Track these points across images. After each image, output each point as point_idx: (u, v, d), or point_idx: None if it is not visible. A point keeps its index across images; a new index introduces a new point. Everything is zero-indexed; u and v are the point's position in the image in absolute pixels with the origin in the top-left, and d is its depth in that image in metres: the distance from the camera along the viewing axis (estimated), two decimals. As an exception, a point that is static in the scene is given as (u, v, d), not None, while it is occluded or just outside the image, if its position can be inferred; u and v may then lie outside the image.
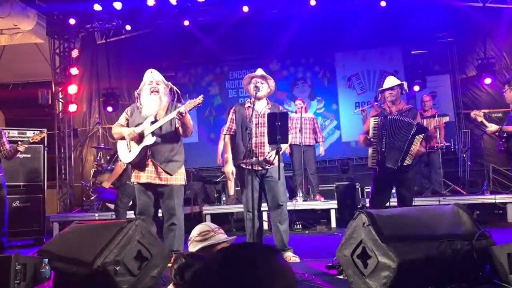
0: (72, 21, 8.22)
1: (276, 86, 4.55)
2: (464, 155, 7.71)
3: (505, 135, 4.63)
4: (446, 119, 6.82)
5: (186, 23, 8.27)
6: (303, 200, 6.62)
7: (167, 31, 8.39)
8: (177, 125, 3.82)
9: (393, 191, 4.60)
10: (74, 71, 8.57)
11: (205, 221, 6.60)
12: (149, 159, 3.81)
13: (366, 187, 6.90)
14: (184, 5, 8.03)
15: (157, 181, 3.81)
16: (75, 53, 8.64)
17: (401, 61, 8.62)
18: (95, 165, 7.60)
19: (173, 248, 3.74)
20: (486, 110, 7.23)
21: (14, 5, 7.13)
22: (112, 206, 6.33)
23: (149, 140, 3.73)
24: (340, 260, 2.89)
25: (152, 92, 3.83)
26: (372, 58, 8.78)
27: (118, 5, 7.77)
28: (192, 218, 6.59)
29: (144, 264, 2.83)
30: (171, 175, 3.82)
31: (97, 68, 9.24)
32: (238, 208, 6.56)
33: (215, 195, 7.66)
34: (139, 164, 3.85)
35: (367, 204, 5.05)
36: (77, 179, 8.61)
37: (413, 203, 4.34)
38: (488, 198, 6.22)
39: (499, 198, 6.20)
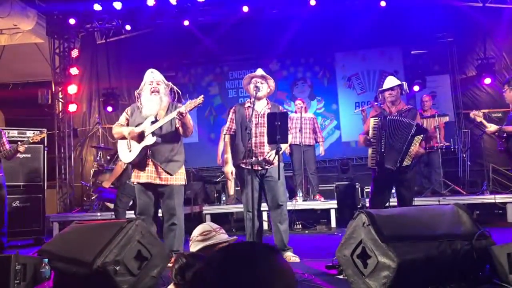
0: (72, 21, 8.22)
1: (276, 86, 4.55)
2: (464, 155, 7.71)
3: (504, 135, 4.63)
4: (446, 119, 6.82)
5: (186, 23, 8.27)
6: (303, 200, 6.62)
7: (167, 31, 8.40)
8: (177, 125, 3.82)
9: (393, 191, 4.60)
10: (74, 71, 8.57)
11: (205, 221, 6.60)
12: (150, 159, 3.81)
13: (366, 187, 6.90)
14: (184, 5, 8.03)
15: (158, 181, 3.81)
16: (75, 53, 8.64)
17: (401, 61, 8.62)
18: (95, 165, 7.61)
19: (173, 248, 3.74)
20: (486, 110, 7.25)
21: (14, 5, 7.13)
22: (111, 205, 6.33)
23: (149, 140, 3.73)
24: (340, 260, 2.89)
25: (152, 92, 3.83)
26: (372, 58, 8.78)
27: (118, 5, 7.77)
28: (192, 218, 6.60)
29: (144, 264, 2.83)
30: (171, 175, 3.82)
31: (97, 68, 9.24)
32: (238, 208, 6.56)
33: (215, 195, 7.66)
34: (139, 164, 3.85)
35: (367, 204, 5.05)
36: (77, 179, 8.61)
37: (413, 203, 4.34)
38: (488, 198, 6.22)
39: (499, 198, 6.21)
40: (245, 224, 4.10)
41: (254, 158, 3.88)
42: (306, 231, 6.19)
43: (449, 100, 8.29)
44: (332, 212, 6.48)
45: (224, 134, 4.22)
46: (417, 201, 5.15)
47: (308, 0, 7.73)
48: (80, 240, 3.01)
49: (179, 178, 3.89)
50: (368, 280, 2.60)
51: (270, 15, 8.16)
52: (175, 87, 4.02)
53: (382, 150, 4.05)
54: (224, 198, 7.11)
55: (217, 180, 7.88)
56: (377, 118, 4.13)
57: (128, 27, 8.51)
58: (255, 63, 8.06)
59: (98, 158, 7.91)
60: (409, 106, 4.41)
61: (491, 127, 4.68)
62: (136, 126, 3.84)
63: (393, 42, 8.50)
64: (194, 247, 2.63)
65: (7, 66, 8.87)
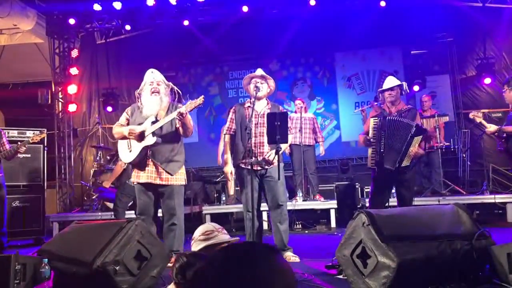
0: (71, 21, 8.21)
1: (276, 86, 4.55)
2: (464, 155, 7.71)
3: (504, 135, 4.63)
4: (446, 119, 6.82)
5: (186, 23, 8.27)
6: (303, 200, 6.63)
7: (166, 31, 8.39)
8: (177, 125, 3.82)
9: (393, 191, 4.60)
10: (73, 71, 8.57)
11: (205, 221, 6.61)
12: (150, 159, 3.81)
13: (366, 187, 6.90)
14: (184, 5, 8.03)
15: (158, 181, 3.81)
16: (74, 53, 8.64)
17: (401, 61, 8.62)
18: (95, 165, 7.61)
19: (173, 248, 3.74)
20: (486, 110, 7.25)
21: (14, 5, 7.13)
22: (111, 205, 6.33)
23: (149, 140, 3.73)
24: (339, 260, 2.89)
25: (152, 93, 3.83)
26: (372, 58, 8.78)
27: (117, 5, 7.77)
28: (192, 218, 6.60)
29: (144, 264, 2.83)
30: (171, 175, 3.82)
31: (97, 68, 9.24)
32: (238, 208, 6.56)
33: (215, 195, 7.66)
34: (139, 164, 3.85)
35: (367, 204, 5.06)
36: (76, 179, 8.61)
37: (413, 203, 4.34)
38: (488, 198, 6.22)
39: (499, 198, 6.21)
40: (245, 224, 4.10)
41: (253, 158, 3.88)
42: (306, 231, 6.19)
43: (449, 100, 8.29)
44: (332, 212, 6.48)
45: (224, 134, 4.22)
46: (417, 201, 5.16)
47: (308, 0, 7.73)
48: (80, 240, 3.01)
49: (179, 178, 3.89)
50: (368, 280, 2.60)
51: (270, 15, 8.16)
52: (175, 87, 4.02)
53: (382, 150, 4.05)
54: (224, 198, 7.11)
55: (217, 180, 7.88)
56: (377, 118, 4.13)
57: (128, 27, 8.51)
58: (255, 63, 8.06)
59: (98, 158, 7.91)
60: (409, 106, 4.41)
61: (491, 128, 4.68)
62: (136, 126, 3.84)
63: (393, 42, 8.50)
64: (196, 246, 2.64)
65: (7, 66, 8.87)
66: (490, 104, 7.90)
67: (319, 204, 6.63)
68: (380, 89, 4.40)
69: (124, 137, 3.89)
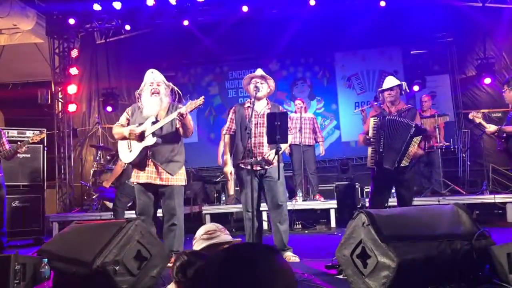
0: (71, 21, 8.21)
1: (276, 86, 4.54)
2: (464, 155, 7.71)
3: (504, 135, 4.63)
4: (446, 119, 6.82)
5: (186, 23, 8.27)
6: (303, 200, 6.63)
7: (166, 31, 8.39)
8: (177, 126, 3.82)
9: (393, 191, 4.60)
10: (73, 71, 8.57)
11: (205, 221, 6.61)
12: (150, 160, 3.81)
13: (366, 187, 6.90)
14: (184, 5, 8.03)
15: (158, 182, 3.81)
16: (74, 53, 8.64)
17: (401, 61, 8.62)
18: (94, 165, 7.61)
19: (173, 249, 3.74)
20: (486, 110, 7.26)
21: (14, 4, 7.13)
22: (111, 205, 6.33)
23: (149, 140, 3.73)
24: (339, 260, 2.89)
25: (152, 93, 3.83)
26: (371, 58, 8.78)
27: (117, 5, 7.76)
28: (192, 218, 6.60)
29: (144, 264, 2.83)
30: (172, 175, 3.82)
31: (97, 68, 9.23)
32: (237, 208, 6.56)
33: (215, 195, 7.67)
34: (139, 164, 3.85)
35: (367, 204, 5.06)
36: (76, 179, 8.61)
37: (413, 203, 4.34)
38: (488, 198, 6.22)
39: (499, 198, 6.21)
40: (244, 224, 4.10)
41: (253, 158, 3.88)
42: (306, 231, 6.19)
43: (449, 100, 8.29)
44: (332, 212, 6.48)
45: (224, 134, 4.22)
46: (417, 201, 5.15)
47: (308, 0, 7.72)
48: (80, 240, 3.01)
49: (179, 178, 3.89)
50: (367, 280, 2.60)
51: (270, 15, 8.16)
52: (175, 88, 4.02)
53: (381, 150, 4.05)
54: (223, 198, 7.11)
55: (216, 180, 7.88)
56: (376, 118, 4.14)
57: (127, 27, 8.51)
58: (255, 63, 8.06)
59: (97, 158, 7.91)
60: (408, 105, 4.41)
61: (491, 128, 4.68)
62: (137, 126, 3.84)
63: (393, 42, 8.50)
64: (199, 245, 2.64)
65: (6, 66, 8.86)
66: (490, 104, 7.90)
67: (319, 204, 6.63)
68: (380, 89, 4.40)
69: (124, 138, 3.89)
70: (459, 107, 8.19)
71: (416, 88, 7.99)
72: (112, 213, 5.95)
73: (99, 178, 7.17)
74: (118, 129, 3.93)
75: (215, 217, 6.78)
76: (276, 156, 3.75)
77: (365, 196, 6.85)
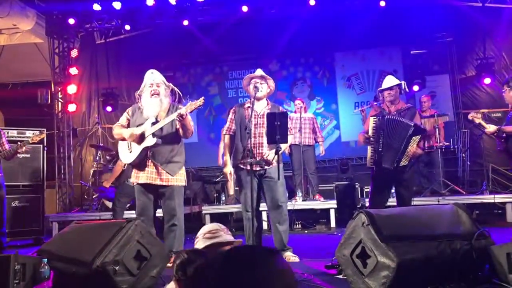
0: (71, 21, 8.21)
1: (276, 86, 4.54)
2: (464, 155, 7.71)
3: (504, 135, 4.62)
4: (446, 118, 6.83)
5: (186, 23, 8.27)
6: (303, 200, 6.63)
7: (166, 31, 8.39)
8: (177, 126, 3.82)
9: (393, 191, 4.60)
10: (73, 71, 8.56)
11: (205, 221, 6.62)
12: (150, 160, 3.81)
13: (366, 187, 6.90)
14: (184, 5, 8.03)
15: (158, 182, 3.81)
16: (74, 53, 8.63)
17: (401, 61, 8.62)
18: (94, 165, 7.61)
19: (173, 249, 3.74)
20: (485, 110, 7.24)
21: (13, 4, 7.13)
22: (111, 205, 6.34)
23: (149, 141, 3.73)
24: (339, 260, 2.89)
25: (152, 95, 3.83)
26: (371, 58, 8.78)
27: (117, 5, 7.76)
28: (192, 218, 6.60)
29: (144, 264, 2.83)
30: (172, 175, 3.82)
31: (97, 68, 9.23)
32: (237, 208, 6.56)
33: (215, 195, 7.67)
34: (139, 164, 3.85)
35: (367, 204, 5.06)
36: (76, 179, 8.61)
37: (412, 203, 4.34)
38: (488, 198, 6.22)
39: (498, 198, 6.21)
40: (244, 224, 4.10)
41: (253, 158, 3.88)
42: (306, 231, 6.19)
43: (449, 100, 8.30)
44: (332, 212, 6.48)
45: (224, 135, 4.22)
46: (417, 201, 5.16)
47: (308, 0, 7.72)
48: (80, 240, 3.01)
49: (179, 179, 3.89)
50: (367, 280, 2.60)
51: (270, 15, 8.16)
52: (176, 88, 4.02)
53: (380, 149, 4.05)
54: (223, 198, 7.11)
55: (216, 180, 7.88)
56: (376, 117, 4.14)
57: (127, 27, 8.51)
58: (255, 63, 8.06)
59: (97, 158, 7.91)
60: (408, 105, 4.41)
61: (490, 128, 4.67)
62: (137, 126, 3.85)
63: (393, 42, 8.50)
64: (201, 244, 2.65)
65: (6, 66, 8.86)
66: (490, 104, 7.90)
67: (318, 204, 6.64)
68: (379, 88, 4.40)
69: (123, 139, 3.89)
70: (459, 107, 8.19)
71: (416, 88, 7.99)
72: (111, 213, 5.96)
73: (99, 178, 7.17)
74: (118, 130, 3.94)
75: (215, 217, 6.78)
76: (276, 156, 3.75)
77: (365, 196, 6.86)
